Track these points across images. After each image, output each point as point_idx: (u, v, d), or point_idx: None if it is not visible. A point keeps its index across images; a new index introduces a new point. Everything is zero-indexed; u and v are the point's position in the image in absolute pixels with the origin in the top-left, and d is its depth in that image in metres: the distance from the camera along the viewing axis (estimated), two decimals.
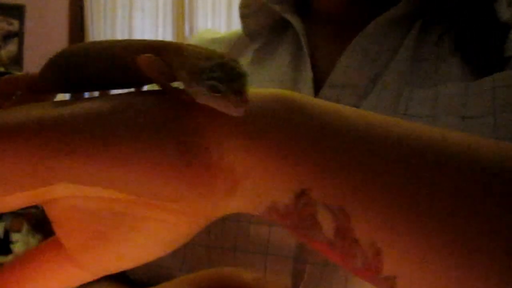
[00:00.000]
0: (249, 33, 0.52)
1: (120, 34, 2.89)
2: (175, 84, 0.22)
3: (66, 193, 0.20)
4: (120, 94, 0.22)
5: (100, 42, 0.24)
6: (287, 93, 0.22)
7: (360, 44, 0.43)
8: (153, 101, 0.21)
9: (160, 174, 0.20)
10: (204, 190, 0.21)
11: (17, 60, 2.90)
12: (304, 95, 0.23)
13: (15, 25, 2.93)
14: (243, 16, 0.52)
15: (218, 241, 0.40)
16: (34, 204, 0.21)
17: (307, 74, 0.44)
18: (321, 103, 0.22)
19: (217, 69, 0.19)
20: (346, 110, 0.22)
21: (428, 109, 0.38)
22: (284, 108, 0.22)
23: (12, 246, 2.32)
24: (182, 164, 0.20)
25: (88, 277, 0.23)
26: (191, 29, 2.79)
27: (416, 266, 0.20)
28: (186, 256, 0.42)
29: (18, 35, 2.93)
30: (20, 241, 2.34)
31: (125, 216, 0.22)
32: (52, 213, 0.22)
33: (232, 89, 0.18)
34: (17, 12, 2.93)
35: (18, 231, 2.35)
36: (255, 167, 0.21)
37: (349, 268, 0.21)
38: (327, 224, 0.21)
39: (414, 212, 0.20)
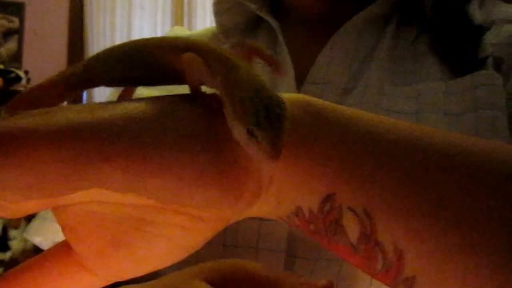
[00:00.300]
0: (223, 31, 0.52)
1: (119, 32, 2.89)
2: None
3: (86, 198, 0.20)
4: (152, 98, 0.21)
5: (150, 39, 0.24)
6: (306, 97, 0.23)
7: (338, 42, 0.44)
8: (188, 109, 0.21)
9: (195, 182, 0.20)
10: (233, 196, 0.21)
11: (16, 57, 2.90)
12: (318, 99, 0.23)
13: (15, 22, 2.93)
14: (217, 13, 0.52)
15: None
16: (46, 209, 0.20)
17: (289, 71, 0.44)
18: (337, 108, 0.23)
19: (261, 114, 0.18)
20: (363, 114, 0.23)
21: (412, 106, 0.39)
22: (304, 113, 0.22)
23: (10, 242, 2.32)
24: (216, 172, 0.20)
25: (99, 283, 0.23)
26: (190, 27, 2.79)
27: (435, 266, 0.20)
28: None
29: (18, 32, 2.93)
30: (18, 238, 2.34)
31: (146, 222, 0.21)
32: (63, 219, 0.21)
33: (269, 139, 0.18)
34: (17, 9, 2.92)
35: (16, 227, 2.35)
36: (280, 172, 0.21)
37: (369, 271, 0.22)
38: (352, 228, 0.21)
39: (435, 215, 0.20)
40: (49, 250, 0.23)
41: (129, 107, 0.20)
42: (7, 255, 2.23)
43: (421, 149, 0.21)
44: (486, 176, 0.20)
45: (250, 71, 0.20)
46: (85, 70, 0.25)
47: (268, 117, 0.18)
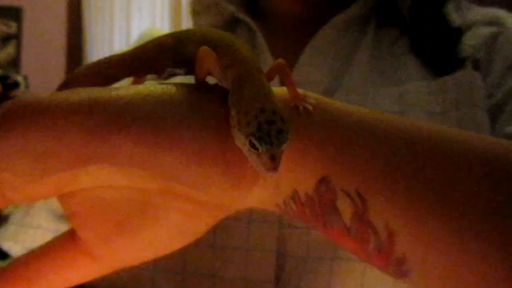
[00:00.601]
0: None
1: (118, 36, 2.89)
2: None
3: (93, 182, 0.21)
4: (163, 84, 0.22)
5: (188, 30, 0.26)
6: (301, 90, 0.24)
7: (319, 44, 0.45)
8: (198, 94, 0.22)
9: (199, 160, 0.21)
10: (234, 178, 0.22)
11: (15, 62, 2.90)
12: (313, 93, 0.24)
13: (13, 27, 2.93)
14: (194, 14, 0.52)
15: None
16: (55, 196, 0.21)
17: None
18: (329, 100, 0.24)
19: (264, 128, 0.19)
20: (354, 106, 0.24)
21: (396, 105, 0.41)
22: None
23: None
24: (219, 152, 0.21)
25: (103, 270, 0.24)
26: None
27: (425, 246, 0.22)
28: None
29: (16, 37, 2.93)
30: None
31: (150, 206, 0.22)
32: (70, 206, 0.22)
33: (269, 153, 0.19)
34: (15, 14, 2.92)
35: None
36: None
37: (362, 253, 0.23)
38: (345, 209, 0.22)
39: (423, 198, 0.21)
40: (53, 240, 0.24)
41: (146, 89, 0.21)
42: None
43: (411, 137, 0.22)
44: (472, 164, 0.22)
45: (261, 80, 0.21)
46: (152, 56, 0.26)
47: (269, 132, 0.19)
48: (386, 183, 0.21)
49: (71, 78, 0.26)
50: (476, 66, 0.42)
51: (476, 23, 0.45)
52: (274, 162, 0.19)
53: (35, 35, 2.92)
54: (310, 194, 0.22)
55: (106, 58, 0.26)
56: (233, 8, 0.49)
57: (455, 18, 0.45)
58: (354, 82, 0.43)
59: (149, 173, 0.20)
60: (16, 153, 0.18)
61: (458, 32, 0.44)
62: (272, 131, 0.19)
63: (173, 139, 0.20)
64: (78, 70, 0.26)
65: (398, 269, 0.22)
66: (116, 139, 0.19)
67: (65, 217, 0.43)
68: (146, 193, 0.22)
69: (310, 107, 0.22)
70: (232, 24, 0.51)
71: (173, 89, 0.22)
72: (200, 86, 0.23)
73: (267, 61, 0.45)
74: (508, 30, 0.44)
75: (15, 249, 0.45)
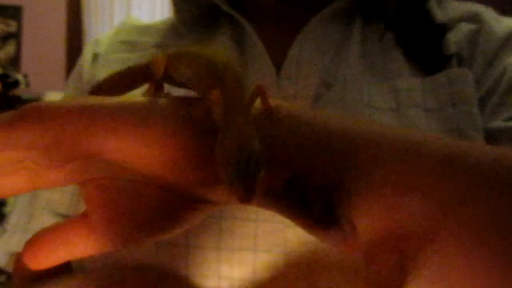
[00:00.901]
0: (183, 23, 0.51)
1: None
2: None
3: (97, 174, 0.25)
4: (156, 97, 0.26)
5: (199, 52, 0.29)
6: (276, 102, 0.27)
7: (306, 38, 0.45)
8: (180, 103, 0.26)
9: (175, 157, 0.24)
10: (206, 175, 0.24)
11: (15, 61, 2.90)
12: (284, 103, 0.27)
13: (13, 26, 2.93)
14: (175, 5, 0.51)
15: (199, 240, 0.39)
16: (73, 183, 0.26)
17: (267, 68, 0.43)
18: (299, 109, 0.26)
19: (241, 166, 0.22)
20: (326, 114, 0.26)
21: (391, 102, 0.41)
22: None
23: None
24: (196, 151, 0.24)
25: (108, 246, 0.27)
26: None
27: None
28: (160, 257, 0.39)
29: (16, 36, 2.93)
30: None
31: (144, 194, 0.26)
32: (86, 192, 0.26)
33: (243, 188, 0.22)
34: (15, 13, 2.92)
35: None
36: None
37: (331, 243, 0.25)
38: (314, 203, 0.24)
39: (383, 194, 0.23)
40: (69, 219, 0.28)
41: (136, 99, 0.25)
42: None
43: (375, 140, 0.24)
44: (430, 160, 0.22)
45: (244, 117, 0.24)
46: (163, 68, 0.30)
47: (244, 173, 0.22)
48: (350, 184, 0.24)
49: (96, 86, 0.31)
50: (461, 63, 0.43)
51: (459, 20, 0.46)
52: (248, 196, 0.22)
53: (35, 34, 2.92)
54: (284, 190, 0.25)
55: (125, 69, 0.31)
56: (218, 1, 0.48)
57: (438, 14, 0.46)
58: (348, 77, 0.42)
59: (134, 167, 0.25)
60: (29, 144, 0.23)
61: (443, 29, 0.45)
62: (246, 172, 0.22)
63: (154, 138, 0.24)
64: (102, 80, 0.32)
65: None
66: (105, 136, 0.24)
67: (68, 217, 0.44)
68: (139, 183, 0.26)
69: (281, 117, 0.26)
70: (214, 16, 0.50)
71: (162, 100, 0.26)
72: (185, 97, 0.26)
73: (263, 59, 0.44)
74: (486, 26, 0.45)
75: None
